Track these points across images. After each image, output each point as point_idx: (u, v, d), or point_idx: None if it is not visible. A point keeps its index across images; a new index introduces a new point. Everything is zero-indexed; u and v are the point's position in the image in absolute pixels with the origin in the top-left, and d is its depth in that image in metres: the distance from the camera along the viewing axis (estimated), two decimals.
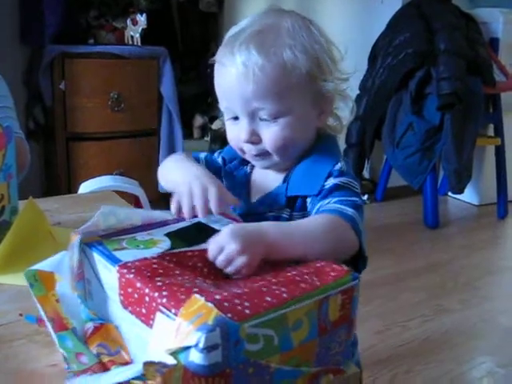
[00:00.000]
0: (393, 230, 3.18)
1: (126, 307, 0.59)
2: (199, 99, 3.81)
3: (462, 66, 2.99)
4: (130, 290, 0.58)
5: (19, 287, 0.83)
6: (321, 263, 0.63)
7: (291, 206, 0.82)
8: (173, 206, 0.74)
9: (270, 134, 0.81)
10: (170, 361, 0.49)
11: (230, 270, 0.61)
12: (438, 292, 2.44)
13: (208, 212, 0.71)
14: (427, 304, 2.31)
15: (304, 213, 0.81)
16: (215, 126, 3.46)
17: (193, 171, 0.79)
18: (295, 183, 0.83)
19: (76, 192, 2.09)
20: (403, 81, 3.11)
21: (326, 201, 0.77)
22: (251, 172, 0.90)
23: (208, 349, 0.48)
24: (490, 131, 3.55)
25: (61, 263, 0.67)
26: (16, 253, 0.91)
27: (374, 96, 3.25)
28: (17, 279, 0.85)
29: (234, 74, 0.78)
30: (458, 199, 3.71)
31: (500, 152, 3.47)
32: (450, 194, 3.67)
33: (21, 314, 0.69)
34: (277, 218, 0.82)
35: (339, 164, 0.81)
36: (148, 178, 2.69)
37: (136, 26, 2.57)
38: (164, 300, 0.54)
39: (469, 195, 3.65)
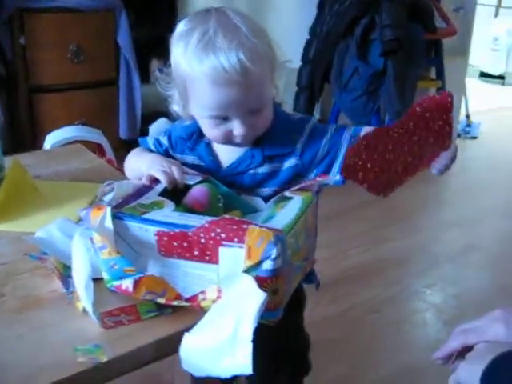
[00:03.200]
0: None
1: (168, 256, 0.74)
2: (155, 43, 3.85)
3: (404, 14, 3.16)
4: (175, 243, 0.73)
5: (15, 233, 0.99)
6: None
7: (268, 161, 0.98)
8: (145, 180, 0.92)
9: (261, 121, 0.94)
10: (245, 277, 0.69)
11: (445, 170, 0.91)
12: (378, 224, 2.71)
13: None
14: (368, 234, 2.58)
15: (278, 165, 0.98)
16: None
17: (152, 159, 0.98)
18: (271, 145, 0.98)
19: (41, 142, 2.23)
20: (349, 27, 3.26)
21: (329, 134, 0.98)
22: (211, 142, 1.01)
23: (277, 257, 0.69)
24: (433, 74, 3.76)
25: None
26: (9, 204, 1.07)
27: (323, 41, 3.39)
28: (12, 226, 1.02)
29: (235, 88, 0.87)
30: None
31: None
32: None
33: (26, 254, 0.87)
34: (254, 175, 0.98)
35: (297, 115, 1.03)
36: (109, 126, 2.83)
37: None
38: (223, 235, 0.71)
39: None
